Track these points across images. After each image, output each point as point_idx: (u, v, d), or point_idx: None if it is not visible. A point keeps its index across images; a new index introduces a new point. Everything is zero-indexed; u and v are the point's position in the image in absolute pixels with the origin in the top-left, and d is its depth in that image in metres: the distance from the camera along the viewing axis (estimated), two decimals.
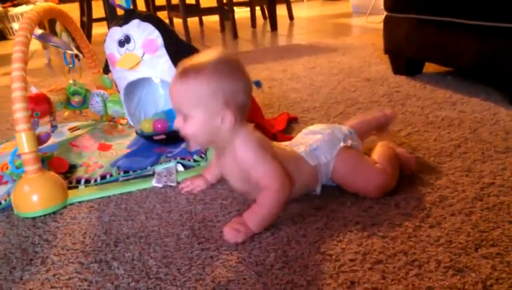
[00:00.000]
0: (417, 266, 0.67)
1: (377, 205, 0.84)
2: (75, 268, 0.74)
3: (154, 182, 1.00)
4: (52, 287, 0.70)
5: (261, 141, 0.81)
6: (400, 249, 0.71)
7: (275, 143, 0.89)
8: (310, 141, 0.90)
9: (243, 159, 0.79)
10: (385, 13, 1.69)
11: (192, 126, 0.78)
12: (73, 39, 1.33)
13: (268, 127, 1.19)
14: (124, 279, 0.70)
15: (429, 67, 1.71)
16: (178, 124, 0.80)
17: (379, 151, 0.94)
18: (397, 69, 1.73)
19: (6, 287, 0.71)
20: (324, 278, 0.66)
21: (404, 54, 1.66)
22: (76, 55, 1.34)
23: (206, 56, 0.79)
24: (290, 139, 1.17)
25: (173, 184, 0.99)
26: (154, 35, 1.13)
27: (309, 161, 0.86)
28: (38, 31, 1.26)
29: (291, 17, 3.84)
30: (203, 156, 1.11)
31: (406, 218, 0.79)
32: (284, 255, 0.72)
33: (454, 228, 0.75)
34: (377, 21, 2.80)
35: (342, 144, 0.89)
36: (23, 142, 0.92)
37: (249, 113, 1.17)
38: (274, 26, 3.34)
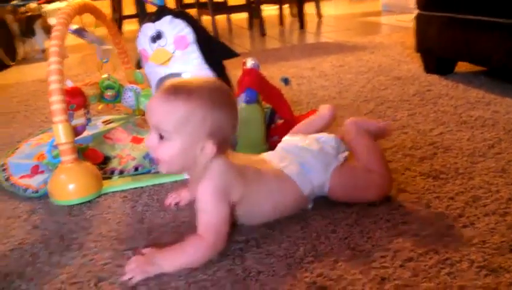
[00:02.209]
0: (449, 265, 0.66)
1: (408, 204, 0.83)
2: (110, 254, 0.77)
3: None
4: (88, 272, 0.72)
5: (228, 182, 0.74)
6: (431, 248, 0.70)
7: (256, 159, 0.85)
8: (300, 159, 0.84)
9: (198, 197, 0.73)
10: (416, 11, 1.67)
11: (169, 151, 0.71)
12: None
13: (297, 123, 1.19)
14: None
15: (461, 66, 1.68)
16: (151, 143, 0.72)
17: (362, 151, 0.87)
18: (429, 68, 1.71)
19: (45, 271, 0.74)
20: (354, 273, 0.67)
21: (436, 53, 1.64)
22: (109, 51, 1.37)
23: (198, 80, 0.75)
24: None
25: None
26: (186, 31, 1.15)
27: (302, 188, 0.81)
28: (74, 26, 1.29)
29: (319, 15, 3.83)
30: None
31: (438, 217, 0.78)
32: (314, 249, 0.73)
33: (488, 228, 0.74)
34: (407, 19, 2.76)
35: (336, 163, 0.85)
36: (60, 133, 0.96)
37: (278, 110, 1.18)
38: (302, 24, 3.33)
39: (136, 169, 1.08)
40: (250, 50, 2.67)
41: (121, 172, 1.08)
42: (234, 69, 1.22)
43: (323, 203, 0.86)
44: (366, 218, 0.80)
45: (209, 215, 0.72)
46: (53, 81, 0.97)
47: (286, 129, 1.16)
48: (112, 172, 1.08)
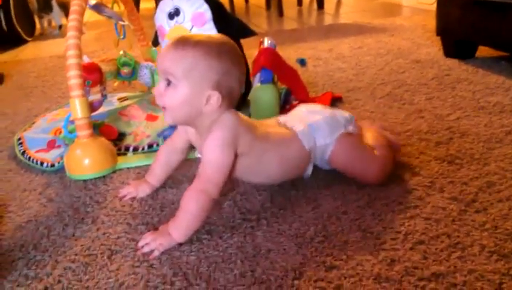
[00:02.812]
0: (460, 249, 0.66)
1: (421, 188, 0.83)
2: (124, 228, 0.78)
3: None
4: (102, 245, 0.74)
5: (236, 134, 0.74)
6: (443, 232, 0.70)
7: (269, 123, 0.87)
8: (310, 120, 0.86)
9: (205, 148, 0.74)
10: None
11: (174, 97, 0.73)
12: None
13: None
14: None
15: (482, 51, 1.64)
16: (158, 90, 0.74)
17: (371, 136, 0.92)
18: (449, 52, 1.67)
19: (59, 243, 0.76)
20: (364, 254, 0.67)
21: (457, 36, 1.60)
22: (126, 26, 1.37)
23: (207, 35, 0.77)
24: None
25: None
26: (203, 8, 1.14)
27: (304, 143, 0.83)
28: (92, 1, 1.29)
29: None
30: None
31: (451, 202, 0.78)
32: (324, 229, 0.73)
33: (501, 214, 0.73)
34: (429, 2, 2.70)
35: (343, 130, 0.86)
36: (77, 108, 0.96)
37: (294, 91, 1.17)
38: (321, 5, 3.27)
39: (150, 146, 1.09)
40: (267, 30, 2.64)
41: (135, 149, 1.09)
42: (251, 49, 1.21)
43: (335, 184, 0.86)
44: (378, 200, 0.80)
45: (214, 167, 0.73)
46: (71, 55, 0.97)
47: None
48: (127, 148, 1.09)
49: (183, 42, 0.73)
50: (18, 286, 0.66)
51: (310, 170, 0.87)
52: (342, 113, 0.89)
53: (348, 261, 0.66)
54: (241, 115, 0.79)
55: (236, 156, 0.75)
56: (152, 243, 0.71)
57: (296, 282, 0.62)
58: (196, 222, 0.72)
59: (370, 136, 0.92)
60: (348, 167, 0.85)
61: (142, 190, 0.89)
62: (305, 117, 0.87)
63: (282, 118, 0.88)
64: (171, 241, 0.71)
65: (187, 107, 0.74)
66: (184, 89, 0.72)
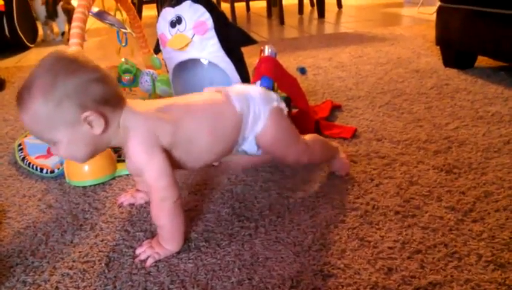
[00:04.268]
0: (457, 259, 0.66)
1: (419, 197, 0.83)
2: (122, 235, 0.78)
3: None
4: (100, 251, 0.74)
5: (151, 130, 0.70)
6: (440, 241, 0.70)
7: (196, 95, 0.82)
8: (246, 89, 0.83)
9: (132, 160, 0.70)
10: (438, 3, 1.64)
11: (62, 149, 0.67)
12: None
13: (312, 113, 1.19)
14: None
15: (482, 61, 1.65)
16: (53, 151, 0.69)
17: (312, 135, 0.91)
18: (448, 62, 1.68)
19: (58, 249, 0.76)
20: (361, 263, 0.67)
21: (457, 46, 1.61)
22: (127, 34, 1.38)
23: (33, 71, 0.65)
24: (332, 126, 1.18)
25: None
26: (205, 17, 1.15)
27: (236, 105, 0.78)
28: (95, 9, 1.30)
29: (339, 5, 3.78)
30: None
31: (448, 211, 0.78)
32: (322, 238, 0.73)
33: (498, 224, 0.73)
34: (429, 12, 2.71)
35: (275, 104, 0.82)
36: None
37: (294, 99, 1.18)
38: (321, 14, 3.30)
39: None
40: (268, 39, 2.65)
41: None
42: (251, 57, 1.22)
43: (333, 192, 0.86)
44: (376, 209, 0.80)
45: (153, 174, 0.69)
46: None
47: (300, 118, 1.16)
48: None
49: (21, 101, 0.64)
50: None
51: (239, 143, 0.81)
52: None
53: (346, 269, 0.66)
54: (145, 102, 0.74)
55: (165, 150, 0.71)
56: (148, 250, 0.72)
57: None
58: (177, 229, 0.72)
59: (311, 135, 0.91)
60: (272, 147, 0.83)
61: (140, 197, 0.88)
62: (239, 87, 0.85)
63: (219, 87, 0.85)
64: (167, 251, 0.72)
65: (80, 146, 0.67)
66: (62, 139, 0.65)
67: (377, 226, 0.75)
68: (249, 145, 0.83)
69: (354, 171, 0.94)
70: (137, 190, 0.89)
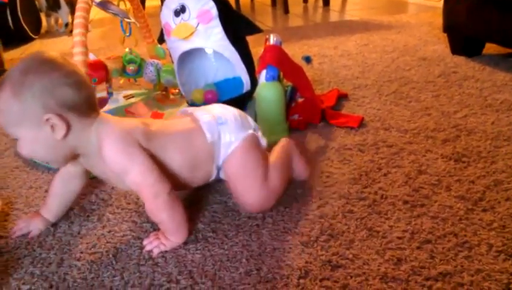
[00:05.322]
0: (467, 248, 0.65)
1: (428, 186, 0.82)
2: (129, 226, 0.78)
3: None
4: (107, 242, 0.74)
5: (126, 134, 0.69)
6: (450, 231, 0.70)
7: (176, 119, 0.81)
8: (220, 112, 0.79)
9: (113, 163, 0.68)
10: None
11: (23, 147, 0.66)
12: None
13: (318, 102, 1.18)
14: None
15: (489, 48, 1.63)
16: (17, 148, 0.68)
17: (276, 154, 0.83)
18: (455, 49, 1.65)
19: (65, 240, 0.76)
20: (370, 253, 0.66)
21: (464, 33, 1.58)
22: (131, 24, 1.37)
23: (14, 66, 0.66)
24: (339, 115, 1.17)
25: None
26: (209, 5, 1.14)
27: (207, 134, 0.75)
28: None
29: None
30: None
31: (458, 200, 0.77)
32: (330, 228, 0.73)
33: (508, 213, 0.73)
34: None
35: (250, 131, 0.79)
36: None
37: (299, 88, 1.17)
38: (326, 2, 3.26)
39: None
40: (273, 28, 2.63)
41: None
42: (256, 46, 1.21)
43: (340, 182, 0.85)
44: (384, 199, 0.79)
45: (138, 172, 0.67)
46: (77, 53, 0.97)
47: (306, 107, 1.15)
48: None
49: None
50: (24, 284, 0.66)
51: (213, 172, 0.79)
52: (251, 119, 0.83)
53: (354, 260, 0.65)
54: (120, 119, 0.73)
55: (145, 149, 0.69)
56: (155, 242, 0.71)
57: (301, 281, 0.62)
58: (178, 220, 0.71)
59: (277, 152, 0.84)
60: (235, 174, 0.77)
61: (34, 226, 0.79)
62: (214, 109, 0.80)
63: (191, 109, 0.82)
64: (173, 243, 0.71)
65: (42, 147, 0.66)
66: (24, 137, 0.66)
67: (385, 216, 0.75)
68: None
69: (361, 161, 0.93)
70: (37, 213, 0.80)
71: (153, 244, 0.71)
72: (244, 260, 0.67)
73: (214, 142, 0.76)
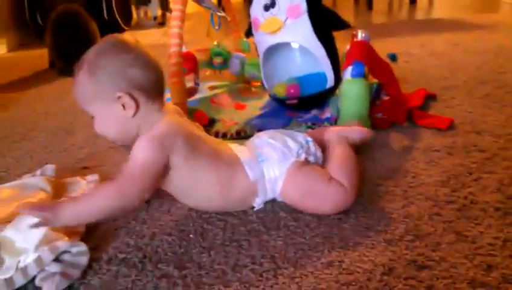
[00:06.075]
0: None
1: None
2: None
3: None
4: (194, 222, 0.78)
5: (170, 135, 0.70)
6: None
7: (222, 144, 0.81)
8: (259, 149, 0.80)
9: (134, 148, 0.69)
10: None
11: (98, 124, 0.72)
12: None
13: (404, 101, 1.15)
14: (258, 226, 0.76)
15: None
16: (94, 126, 0.74)
17: (336, 157, 0.83)
18: None
19: (156, 217, 0.81)
20: (458, 257, 0.64)
21: None
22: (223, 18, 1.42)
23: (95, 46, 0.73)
24: (426, 116, 1.13)
25: None
26: (299, 0, 1.15)
27: (249, 173, 0.76)
28: None
29: None
30: (333, 124, 1.12)
31: None
32: (415, 229, 0.71)
33: None
34: None
35: (293, 159, 0.78)
36: (175, 93, 1.02)
37: (386, 86, 1.14)
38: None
39: (238, 133, 1.12)
40: (355, 24, 2.59)
41: (224, 135, 1.13)
42: (342, 43, 1.20)
43: (427, 183, 0.83)
44: (474, 204, 0.76)
45: (137, 166, 0.68)
46: (173, 44, 1.03)
47: (392, 106, 1.13)
48: (216, 134, 1.13)
49: (74, 74, 0.72)
50: (120, 252, 0.72)
51: (258, 203, 0.79)
52: (295, 139, 0.82)
53: (441, 262, 0.64)
54: (185, 120, 0.76)
55: (169, 167, 0.70)
56: (36, 212, 0.64)
57: (385, 277, 0.62)
58: (95, 215, 0.68)
59: (332, 159, 0.83)
60: (297, 201, 0.77)
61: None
62: (253, 145, 0.82)
63: (235, 146, 0.83)
64: (55, 219, 0.64)
65: (112, 125, 0.72)
66: (97, 114, 0.72)
67: (475, 221, 0.72)
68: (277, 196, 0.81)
69: (450, 164, 0.90)
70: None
71: (34, 215, 0.64)
72: (326, 251, 0.68)
73: (257, 180, 0.77)
